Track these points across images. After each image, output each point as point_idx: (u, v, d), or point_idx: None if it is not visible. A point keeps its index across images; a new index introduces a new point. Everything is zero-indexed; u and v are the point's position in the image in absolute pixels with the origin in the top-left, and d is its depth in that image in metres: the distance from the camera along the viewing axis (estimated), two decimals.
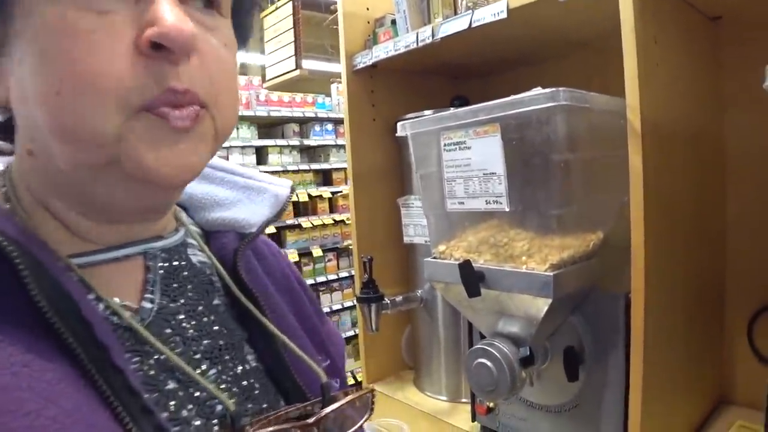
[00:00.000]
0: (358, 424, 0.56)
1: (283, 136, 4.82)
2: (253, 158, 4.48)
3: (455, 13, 1.33)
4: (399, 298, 1.41)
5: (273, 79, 5.03)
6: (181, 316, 0.53)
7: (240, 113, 4.36)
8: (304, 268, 4.69)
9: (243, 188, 0.67)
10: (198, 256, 0.60)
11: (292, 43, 5.03)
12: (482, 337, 1.09)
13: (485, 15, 1.16)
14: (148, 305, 0.51)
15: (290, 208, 4.61)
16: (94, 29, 0.41)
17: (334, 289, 4.84)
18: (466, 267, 0.92)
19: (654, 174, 0.94)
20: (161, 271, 0.54)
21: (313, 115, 4.80)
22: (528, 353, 0.96)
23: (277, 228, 4.52)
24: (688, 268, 1.11)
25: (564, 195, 0.88)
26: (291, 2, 5.14)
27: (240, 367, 0.56)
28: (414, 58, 1.43)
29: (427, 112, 1.43)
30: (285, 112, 4.66)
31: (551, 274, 0.87)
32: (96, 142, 0.42)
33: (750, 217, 1.25)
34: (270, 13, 5.38)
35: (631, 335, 0.95)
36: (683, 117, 1.10)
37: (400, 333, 1.70)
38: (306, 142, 4.81)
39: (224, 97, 0.48)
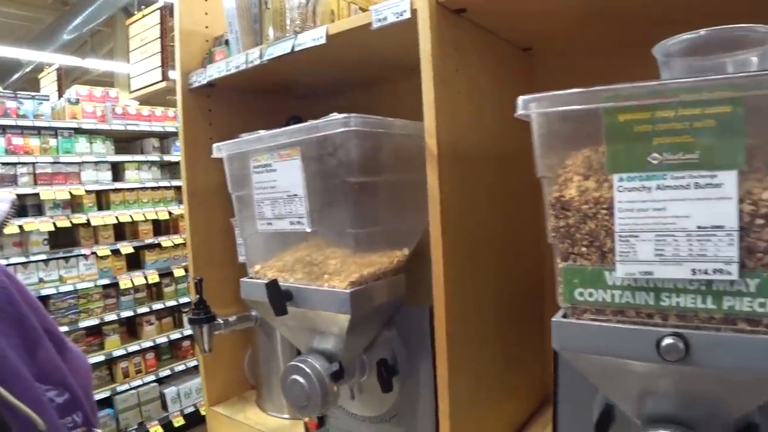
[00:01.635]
0: None
1: (142, 151, 4.61)
2: (108, 174, 4.25)
3: (286, 35, 1.35)
4: (232, 318, 1.39)
5: (138, 90, 4.82)
6: None
7: (95, 126, 4.15)
8: (165, 289, 4.50)
9: None
10: None
11: (159, 54, 4.85)
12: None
13: (306, 40, 1.19)
14: None
15: (149, 226, 4.41)
16: None
17: None
18: (272, 286, 0.93)
19: (454, 193, 1.00)
20: None
21: (174, 130, 4.64)
22: (338, 368, 0.99)
23: (135, 248, 4.30)
24: (498, 278, 1.19)
25: (362, 215, 0.92)
26: (159, 11, 4.96)
27: None
28: (251, 77, 1.44)
29: (260, 132, 1.43)
30: (144, 126, 4.46)
31: (349, 291, 0.90)
32: None
33: None
34: (136, 20, 5.16)
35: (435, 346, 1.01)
36: (492, 139, 1.18)
37: (243, 353, 1.68)
38: (166, 157, 4.63)
39: None
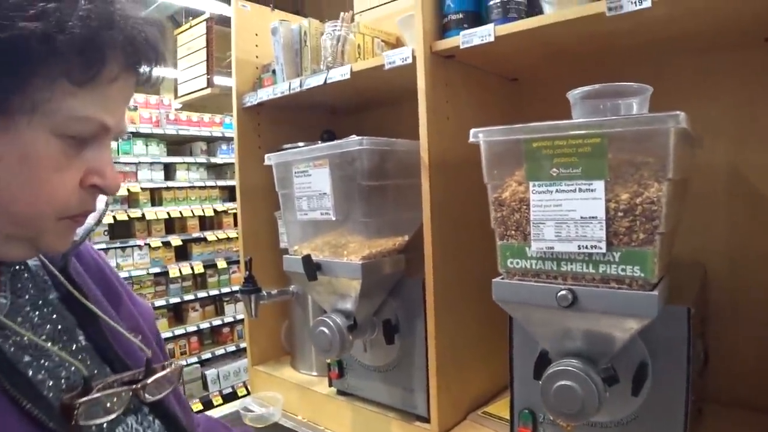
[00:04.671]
0: (169, 390, 0.75)
1: (191, 154, 5.06)
2: (161, 174, 4.70)
3: (320, 68, 1.70)
4: (274, 291, 1.75)
5: (185, 96, 5.25)
6: (27, 308, 0.69)
7: (150, 131, 4.61)
8: (209, 279, 4.93)
9: None
10: (32, 260, 0.74)
11: (205, 62, 5.26)
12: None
13: (335, 75, 1.55)
14: (3, 301, 0.66)
15: (196, 222, 4.85)
16: (61, 169, 0.61)
17: (238, 300, 5.09)
18: (307, 259, 1.29)
19: (441, 194, 1.33)
20: (9, 275, 0.69)
21: (220, 135, 5.07)
22: (353, 322, 1.34)
23: (183, 241, 4.74)
24: (476, 259, 1.45)
25: (372, 209, 1.27)
26: (205, 22, 5.37)
27: (74, 345, 0.71)
28: (292, 99, 1.80)
29: (300, 144, 1.79)
30: (193, 131, 4.92)
31: (360, 263, 1.26)
32: (30, 232, 0.63)
33: None
34: (184, 30, 5.59)
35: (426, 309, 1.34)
36: (472, 153, 1.48)
37: (280, 325, 2.05)
38: (213, 159, 5.09)
39: None
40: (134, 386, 0.69)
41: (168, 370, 0.75)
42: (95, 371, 0.71)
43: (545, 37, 1.22)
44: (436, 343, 1.34)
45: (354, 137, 1.22)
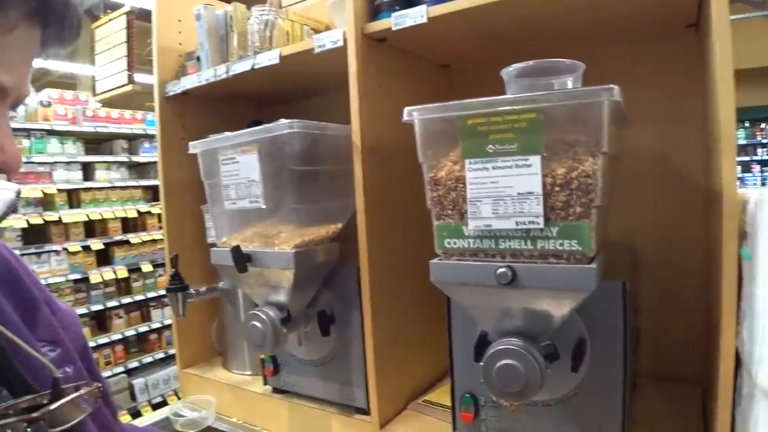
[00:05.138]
0: (84, 414, 0.62)
1: (111, 152, 4.83)
2: (79, 174, 4.46)
3: (248, 55, 1.64)
4: (202, 289, 1.67)
5: (104, 93, 5.01)
6: None
7: (66, 128, 4.36)
8: (134, 284, 4.72)
9: None
10: None
11: (125, 58, 5.02)
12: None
13: (263, 60, 1.49)
14: None
15: (118, 224, 4.63)
16: None
17: (165, 305, 4.90)
18: (236, 250, 1.23)
19: (374, 180, 1.30)
20: None
21: (142, 132, 4.86)
22: (286, 315, 1.29)
23: (104, 244, 4.52)
24: (410, 245, 1.43)
25: (303, 195, 1.22)
26: (125, 15, 5.13)
27: None
28: (218, 88, 1.72)
29: (226, 133, 1.72)
30: (113, 128, 4.68)
31: (293, 251, 1.21)
32: None
33: None
34: (102, 24, 5.31)
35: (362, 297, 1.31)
36: (405, 138, 1.47)
37: (210, 326, 1.96)
38: (134, 158, 4.86)
39: None
40: (33, 414, 0.55)
41: (82, 391, 0.62)
42: None
43: (479, 17, 1.20)
44: (373, 333, 1.31)
45: (284, 120, 1.17)
